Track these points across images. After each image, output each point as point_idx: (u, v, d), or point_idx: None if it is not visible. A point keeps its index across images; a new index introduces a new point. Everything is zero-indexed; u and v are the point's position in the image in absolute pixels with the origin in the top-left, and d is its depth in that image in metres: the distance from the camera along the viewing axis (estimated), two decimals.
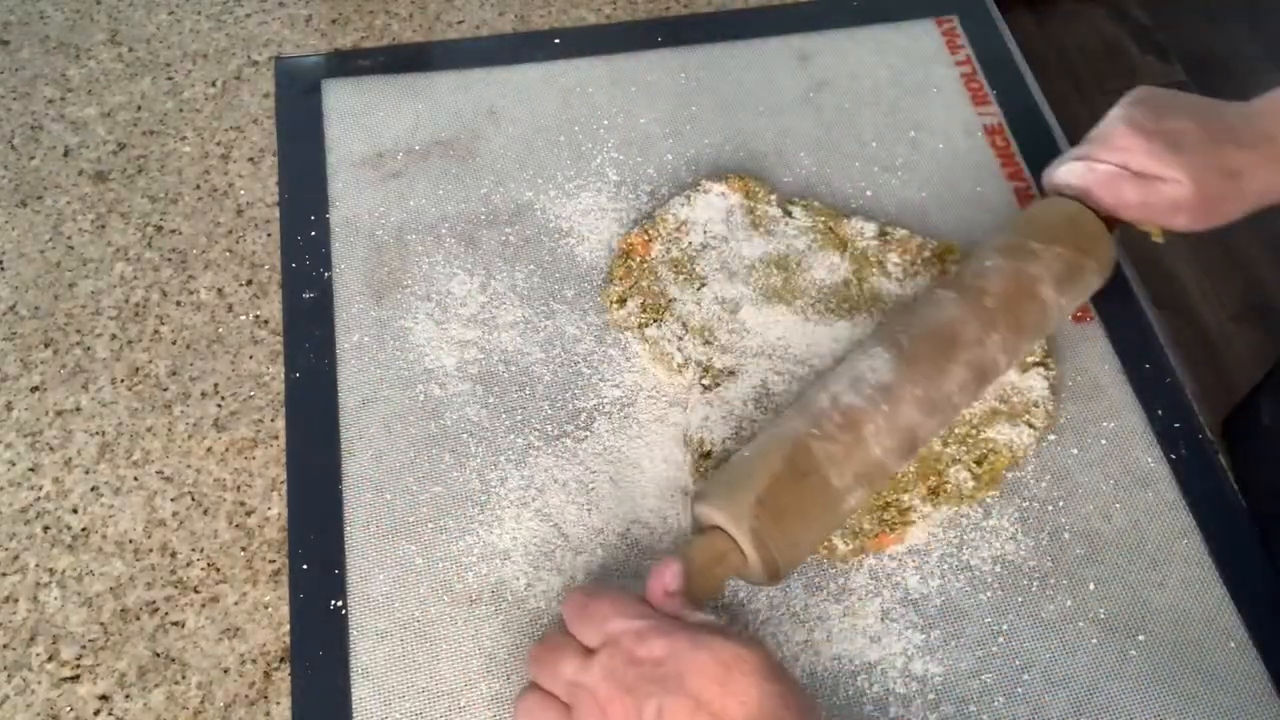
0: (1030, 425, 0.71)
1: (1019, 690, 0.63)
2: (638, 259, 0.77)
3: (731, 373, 0.73)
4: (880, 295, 0.76)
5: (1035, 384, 0.72)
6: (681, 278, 0.76)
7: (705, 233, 0.78)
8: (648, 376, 0.73)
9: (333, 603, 0.65)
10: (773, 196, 0.80)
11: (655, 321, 0.74)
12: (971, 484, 0.69)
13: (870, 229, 0.78)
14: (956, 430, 0.70)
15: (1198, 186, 0.69)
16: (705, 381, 0.72)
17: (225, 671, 0.64)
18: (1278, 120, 0.71)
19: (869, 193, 0.83)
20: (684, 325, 0.74)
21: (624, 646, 0.55)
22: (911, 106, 0.88)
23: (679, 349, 0.73)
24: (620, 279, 0.76)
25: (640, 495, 0.69)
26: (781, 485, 0.61)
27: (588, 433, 0.71)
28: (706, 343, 0.74)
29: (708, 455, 0.69)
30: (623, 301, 0.75)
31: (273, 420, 0.72)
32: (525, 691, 0.58)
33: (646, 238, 0.78)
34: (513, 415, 0.72)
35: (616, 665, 0.54)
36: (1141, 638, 0.65)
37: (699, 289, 0.76)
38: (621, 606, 0.57)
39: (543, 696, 0.57)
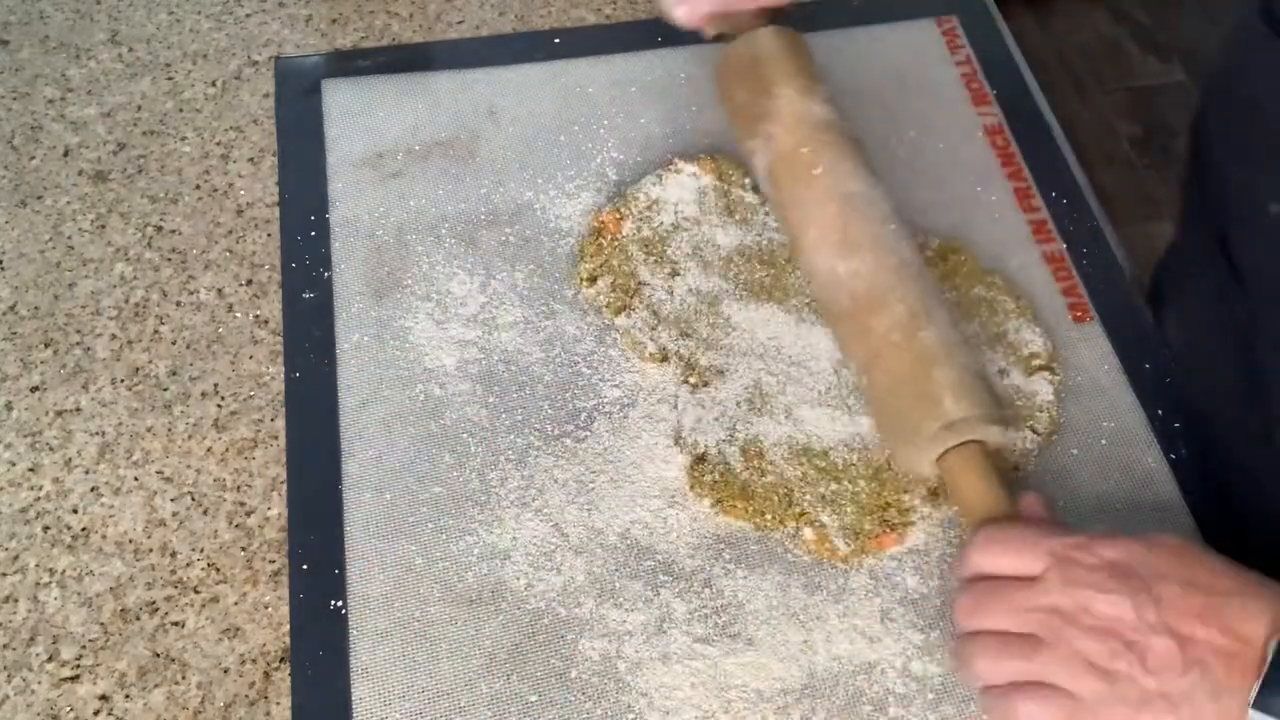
0: (1034, 430, 0.71)
1: None
2: (608, 236, 0.77)
3: (720, 371, 0.73)
4: None
5: (1040, 388, 0.72)
6: (652, 259, 0.77)
7: (677, 213, 0.79)
8: (648, 377, 0.73)
9: (333, 603, 0.65)
10: (747, 180, 0.80)
11: (625, 309, 0.75)
12: None
13: None
14: None
15: None
16: (692, 380, 0.72)
17: (225, 671, 0.64)
18: None
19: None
20: (655, 314, 0.75)
21: (1074, 558, 0.56)
22: (911, 107, 0.88)
23: (651, 338, 0.74)
24: (591, 256, 0.77)
25: (640, 495, 0.69)
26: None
27: (588, 432, 0.71)
28: (684, 335, 0.74)
29: (702, 459, 0.69)
30: (593, 279, 0.76)
31: (273, 420, 0.72)
32: (967, 641, 0.58)
33: (618, 215, 0.78)
34: (513, 415, 0.72)
35: (1079, 574, 0.55)
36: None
37: (671, 276, 0.76)
38: (1041, 529, 0.59)
39: (997, 635, 0.57)
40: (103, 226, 0.81)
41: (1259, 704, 0.51)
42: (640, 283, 0.76)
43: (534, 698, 0.62)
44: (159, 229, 0.80)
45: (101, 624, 0.65)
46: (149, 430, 0.72)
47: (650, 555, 0.67)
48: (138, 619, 0.65)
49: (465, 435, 0.71)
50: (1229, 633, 0.53)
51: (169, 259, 0.79)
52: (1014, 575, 0.57)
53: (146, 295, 0.77)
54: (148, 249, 0.79)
